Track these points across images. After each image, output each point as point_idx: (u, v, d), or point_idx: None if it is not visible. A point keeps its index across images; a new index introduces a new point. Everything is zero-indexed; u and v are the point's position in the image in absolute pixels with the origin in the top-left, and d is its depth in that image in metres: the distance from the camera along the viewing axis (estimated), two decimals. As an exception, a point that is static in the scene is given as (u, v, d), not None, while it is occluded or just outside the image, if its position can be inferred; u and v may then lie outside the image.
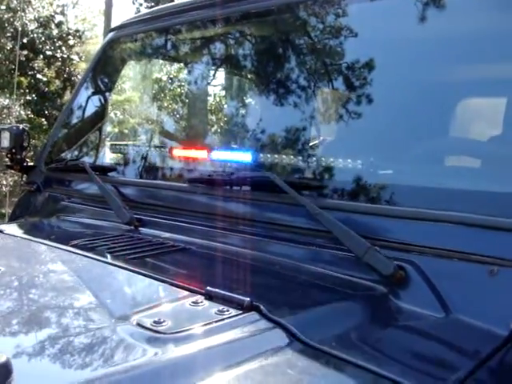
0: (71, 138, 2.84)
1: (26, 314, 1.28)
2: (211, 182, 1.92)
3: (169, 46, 2.69)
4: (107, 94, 2.90)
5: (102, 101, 2.87)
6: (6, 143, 2.65)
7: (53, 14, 15.72)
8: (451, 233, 1.42)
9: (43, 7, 15.52)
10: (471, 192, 1.47)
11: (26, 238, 1.94)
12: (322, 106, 2.09)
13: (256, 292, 1.34)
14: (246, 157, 1.94)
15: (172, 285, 1.39)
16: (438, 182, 1.57)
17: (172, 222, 1.99)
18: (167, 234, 1.94)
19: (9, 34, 14.85)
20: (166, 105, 3.03)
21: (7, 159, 2.69)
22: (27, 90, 14.58)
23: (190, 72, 2.83)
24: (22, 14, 14.93)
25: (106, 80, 2.90)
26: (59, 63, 15.73)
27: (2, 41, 14.79)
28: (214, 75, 2.71)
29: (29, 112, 13.50)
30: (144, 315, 1.18)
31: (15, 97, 12.68)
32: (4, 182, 11.90)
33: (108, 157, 2.63)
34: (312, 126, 2.00)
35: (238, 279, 1.48)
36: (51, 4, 15.75)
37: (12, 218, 2.72)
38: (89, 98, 2.86)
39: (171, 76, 3.10)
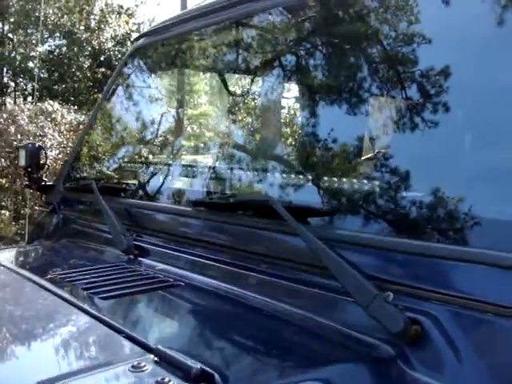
0: (93, 155, 2.66)
1: None
2: (211, 205, 1.66)
3: (197, 50, 2.46)
4: (131, 106, 2.70)
5: (126, 114, 2.68)
6: (22, 161, 2.51)
7: (129, 32, 16.07)
8: (492, 279, 1.06)
9: (119, 26, 15.90)
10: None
11: (6, 267, 1.75)
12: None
13: (222, 352, 1.06)
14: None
15: (126, 337, 1.13)
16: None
17: (171, 252, 1.75)
18: (163, 266, 1.69)
19: (87, 53, 15.32)
20: (193, 118, 2.80)
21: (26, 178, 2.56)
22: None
23: (217, 80, 2.59)
24: (100, 33, 15.39)
25: (130, 91, 2.70)
26: (135, 79, 16.02)
27: (81, 59, 15.28)
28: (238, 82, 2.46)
29: (104, 127, 13.77)
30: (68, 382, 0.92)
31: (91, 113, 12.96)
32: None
33: (124, 176, 2.42)
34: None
35: (209, 332, 1.20)
36: (127, 22, 16.11)
37: (29, 241, 2.57)
38: (112, 111, 2.67)
39: (202, 85, 2.88)
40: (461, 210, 1.16)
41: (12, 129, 11.55)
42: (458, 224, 1.17)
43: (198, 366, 0.94)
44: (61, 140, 11.62)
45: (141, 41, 2.71)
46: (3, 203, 12.95)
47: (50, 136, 11.90)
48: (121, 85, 2.68)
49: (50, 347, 1.18)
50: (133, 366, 0.98)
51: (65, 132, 11.93)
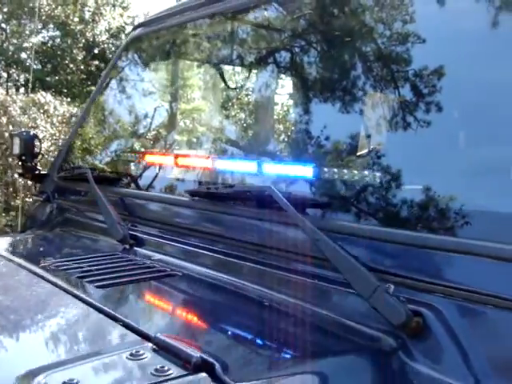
0: (88, 144, 2.63)
1: None
2: (209, 195, 1.64)
3: (193, 40, 2.43)
4: (127, 96, 2.67)
5: (122, 104, 2.65)
6: (16, 149, 2.48)
7: (123, 24, 15.94)
8: (493, 271, 1.05)
9: (114, 18, 15.78)
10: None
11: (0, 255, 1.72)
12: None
13: (220, 341, 1.04)
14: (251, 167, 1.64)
15: (123, 326, 1.11)
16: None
17: (167, 242, 1.73)
18: (159, 256, 1.67)
19: (80, 45, 15.20)
20: (193, 109, 2.78)
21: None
22: (97, 99, 14.80)
23: (213, 71, 2.57)
24: (94, 25, 15.28)
25: (126, 81, 2.67)
26: (128, 73, 15.92)
27: (75, 52, 15.16)
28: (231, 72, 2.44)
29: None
30: (58, 370, 0.90)
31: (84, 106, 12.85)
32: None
33: (120, 166, 2.40)
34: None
35: (207, 321, 1.18)
36: (122, 15, 16.00)
37: (22, 230, 2.54)
38: (108, 99, 2.64)
39: (202, 75, 2.85)
40: (464, 201, 1.14)
41: (4, 120, 11.45)
42: (460, 216, 1.16)
43: (198, 354, 0.92)
44: (53, 132, 11.49)
45: (137, 31, 2.68)
46: (-7, 194, 12.85)
47: (42, 128, 11.79)
48: (116, 76, 2.65)
49: (47, 335, 1.16)
50: (131, 354, 0.96)
51: (57, 124, 11.80)
